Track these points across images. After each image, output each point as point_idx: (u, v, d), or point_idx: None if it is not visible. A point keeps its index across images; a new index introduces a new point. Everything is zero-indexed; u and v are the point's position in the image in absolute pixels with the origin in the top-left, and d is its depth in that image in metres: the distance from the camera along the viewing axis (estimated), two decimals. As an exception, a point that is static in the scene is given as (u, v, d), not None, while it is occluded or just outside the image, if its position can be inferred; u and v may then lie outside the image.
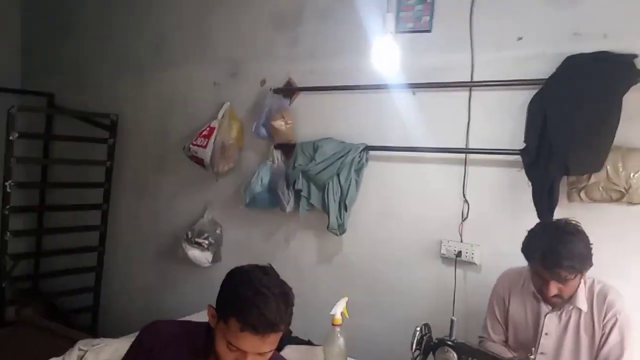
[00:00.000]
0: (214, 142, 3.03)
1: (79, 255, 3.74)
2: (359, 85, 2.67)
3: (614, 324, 1.75)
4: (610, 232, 1.80)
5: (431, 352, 1.79)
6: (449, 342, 1.74)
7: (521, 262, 2.01)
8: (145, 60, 3.56)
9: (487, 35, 2.34)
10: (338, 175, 2.66)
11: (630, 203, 1.98)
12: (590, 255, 1.71)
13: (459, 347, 1.73)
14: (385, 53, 2.25)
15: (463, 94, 2.41)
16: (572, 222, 1.77)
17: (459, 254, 2.42)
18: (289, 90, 2.92)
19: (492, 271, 2.27)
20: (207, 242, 3.14)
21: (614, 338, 1.74)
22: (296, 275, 2.74)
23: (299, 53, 2.90)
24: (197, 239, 3.14)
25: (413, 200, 2.57)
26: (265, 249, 3.06)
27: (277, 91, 2.92)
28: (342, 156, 2.64)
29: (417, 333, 1.78)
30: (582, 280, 1.79)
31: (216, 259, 3.17)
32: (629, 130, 2.00)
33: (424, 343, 1.78)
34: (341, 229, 2.70)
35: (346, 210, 2.68)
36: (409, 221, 2.59)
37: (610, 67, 2.02)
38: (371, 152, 2.65)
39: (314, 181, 2.72)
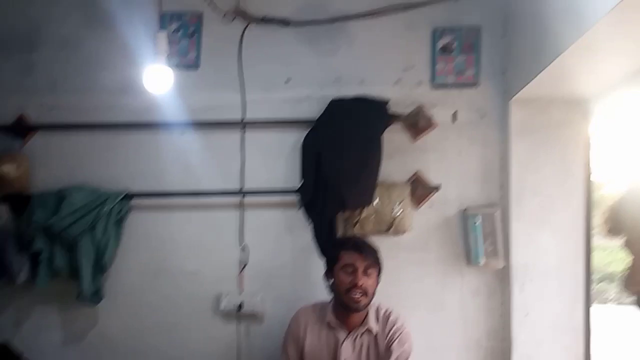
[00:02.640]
0: None
1: None
2: (117, 124, 2.31)
3: (396, 339, 1.84)
4: (384, 262, 1.88)
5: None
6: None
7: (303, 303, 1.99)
8: None
9: (256, 75, 2.31)
10: (92, 230, 2.20)
11: (397, 233, 2.14)
12: (382, 260, 1.90)
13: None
14: (157, 80, 1.99)
15: (235, 134, 2.30)
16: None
17: (240, 306, 2.23)
18: (20, 129, 2.34)
19: (277, 320, 2.17)
20: None
21: (395, 354, 1.82)
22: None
23: (36, 84, 2.38)
24: None
25: (186, 253, 2.30)
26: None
27: (3, 129, 2.32)
28: (97, 207, 2.21)
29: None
30: (371, 305, 1.87)
31: None
32: (388, 167, 2.18)
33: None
34: (96, 296, 2.24)
35: (103, 273, 2.22)
36: (181, 277, 2.29)
37: (370, 109, 2.19)
38: (134, 201, 2.29)
39: (60, 239, 2.19)
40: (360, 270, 1.81)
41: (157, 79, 2.00)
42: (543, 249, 2.07)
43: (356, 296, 1.80)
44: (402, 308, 1.98)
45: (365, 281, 1.81)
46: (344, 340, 1.86)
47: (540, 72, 1.75)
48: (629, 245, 0.74)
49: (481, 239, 2.11)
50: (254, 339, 2.27)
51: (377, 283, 1.87)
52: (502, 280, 2.16)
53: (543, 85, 1.88)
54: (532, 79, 1.84)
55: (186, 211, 2.31)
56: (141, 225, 2.31)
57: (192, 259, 2.29)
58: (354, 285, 1.80)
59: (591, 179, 2.08)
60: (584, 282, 2.06)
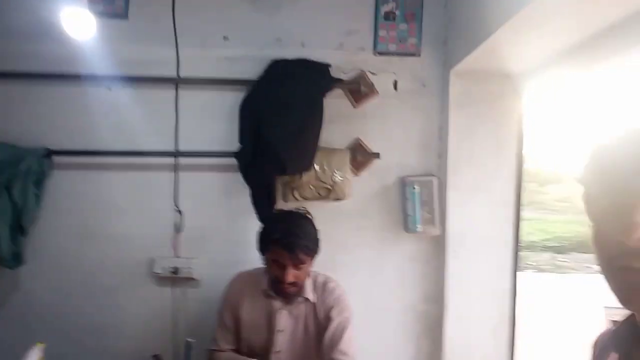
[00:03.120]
0: None
1: None
2: (36, 73, 2.11)
3: (335, 309, 1.83)
4: (324, 228, 1.87)
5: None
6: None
7: (240, 268, 1.96)
8: None
9: (192, 30, 2.15)
10: (8, 189, 2.03)
11: (337, 199, 2.13)
12: (319, 240, 1.79)
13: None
14: (78, 26, 1.81)
15: (169, 92, 2.17)
16: (302, 210, 1.85)
17: (176, 270, 2.16)
18: None
19: (214, 284, 2.11)
20: None
21: (335, 322, 1.81)
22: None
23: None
24: None
25: (117, 215, 2.18)
26: None
27: None
28: (13, 164, 2.03)
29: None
30: (308, 273, 1.83)
31: None
32: (329, 132, 2.15)
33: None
34: (17, 260, 2.09)
35: (23, 235, 2.07)
36: (112, 240, 2.18)
37: (311, 73, 2.13)
38: (57, 159, 2.13)
39: (-29, 199, 2.00)
40: (290, 266, 1.71)
41: (77, 24, 1.82)
42: (476, 218, 2.13)
43: (285, 287, 1.75)
44: (341, 273, 2.00)
45: (294, 275, 1.73)
46: (280, 309, 1.83)
47: (478, 45, 1.76)
48: (588, 200, 0.70)
49: (419, 206, 2.14)
50: (190, 303, 2.22)
51: (312, 264, 1.80)
52: (438, 246, 2.21)
53: (480, 58, 1.89)
54: (470, 52, 1.85)
55: (116, 171, 2.18)
56: (67, 185, 2.15)
57: (124, 222, 2.18)
58: (282, 281, 1.73)
59: (522, 152, 2.15)
60: (512, 249, 2.15)
